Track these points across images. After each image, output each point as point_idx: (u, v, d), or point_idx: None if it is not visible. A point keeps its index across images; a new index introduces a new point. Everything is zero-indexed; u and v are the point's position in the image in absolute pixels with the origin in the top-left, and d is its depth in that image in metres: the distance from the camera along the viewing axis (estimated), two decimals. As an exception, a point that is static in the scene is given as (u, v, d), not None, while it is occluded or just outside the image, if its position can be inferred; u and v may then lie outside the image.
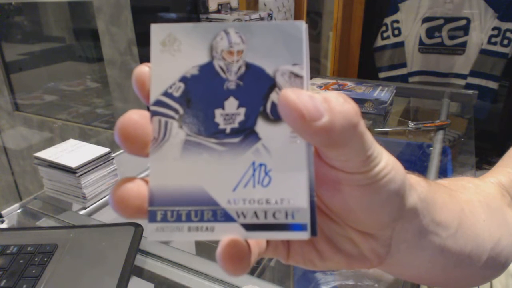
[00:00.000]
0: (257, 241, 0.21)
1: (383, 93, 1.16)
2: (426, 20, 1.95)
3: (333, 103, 0.17)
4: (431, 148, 0.95)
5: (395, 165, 0.21)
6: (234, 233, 0.18)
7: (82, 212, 0.73)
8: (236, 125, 0.19)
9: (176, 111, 0.19)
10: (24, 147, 1.60)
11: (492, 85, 1.87)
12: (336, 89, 1.22)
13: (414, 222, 0.24)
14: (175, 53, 0.19)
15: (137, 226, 0.60)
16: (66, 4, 1.45)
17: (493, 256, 0.30)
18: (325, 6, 2.00)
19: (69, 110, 1.53)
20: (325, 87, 1.25)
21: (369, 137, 0.19)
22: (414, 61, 2.03)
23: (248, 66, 0.19)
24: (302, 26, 0.19)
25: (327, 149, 0.18)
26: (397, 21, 1.99)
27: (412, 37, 2.00)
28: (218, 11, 1.20)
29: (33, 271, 0.52)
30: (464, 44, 1.91)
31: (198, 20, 1.18)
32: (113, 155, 0.76)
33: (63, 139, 0.91)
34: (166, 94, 0.19)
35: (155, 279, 0.56)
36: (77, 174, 0.70)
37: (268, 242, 0.23)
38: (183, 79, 0.19)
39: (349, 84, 1.26)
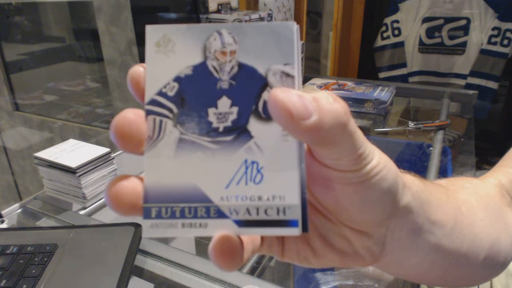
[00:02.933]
0: (251, 237, 0.22)
1: (383, 93, 1.17)
2: (426, 20, 1.95)
3: (322, 102, 0.17)
4: (431, 148, 0.95)
5: (387, 164, 0.21)
6: (226, 229, 0.19)
7: (82, 212, 0.73)
8: (229, 123, 0.19)
9: (170, 110, 0.19)
10: (24, 147, 1.60)
11: (492, 85, 1.87)
12: (336, 89, 1.22)
13: (408, 221, 0.24)
14: (169, 53, 0.19)
15: (137, 226, 0.60)
16: (66, 4, 1.45)
17: (491, 255, 0.30)
18: (325, 6, 2.00)
19: (69, 110, 1.53)
20: (325, 87, 1.25)
21: (359, 135, 0.19)
22: (414, 61, 2.03)
23: (241, 66, 0.19)
24: (294, 26, 0.19)
25: (318, 147, 0.19)
26: (397, 21, 1.99)
27: (412, 37, 2.00)
28: (218, 11, 1.20)
29: (33, 271, 0.52)
30: (464, 44, 1.91)
31: (198, 20, 1.18)
32: (113, 155, 0.76)
33: (63, 139, 0.91)
34: (160, 93, 0.19)
35: (155, 279, 0.56)
36: (77, 174, 0.70)
37: (262, 238, 0.23)
38: (177, 79, 0.19)
39: (349, 84, 1.26)
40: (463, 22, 1.88)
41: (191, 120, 0.19)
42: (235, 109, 0.19)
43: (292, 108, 0.17)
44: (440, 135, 1.01)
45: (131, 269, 0.53)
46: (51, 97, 1.59)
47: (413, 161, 1.01)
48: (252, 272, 0.59)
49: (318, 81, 1.30)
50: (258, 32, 0.19)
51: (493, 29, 1.81)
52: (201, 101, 0.19)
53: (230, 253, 0.19)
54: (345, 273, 0.68)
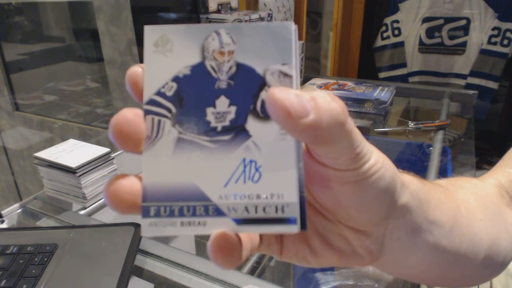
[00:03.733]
0: (250, 236, 0.22)
1: (383, 93, 1.17)
2: (426, 20, 1.95)
3: (319, 101, 0.17)
4: (431, 148, 0.95)
5: (385, 163, 0.21)
6: (225, 227, 0.19)
7: (82, 212, 0.73)
8: (227, 123, 0.19)
9: (168, 110, 0.19)
10: (24, 147, 1.60)
11: (492, 85, 1.87)
12: (336, 89, 1.22)
13: (407, 220, 0.24)
14: (168, 53, 0.20)
15: (137, 226, 0.60)
16: (66, 4, 1.45)
17: (490, 255, 0.30)
18: (325, 6, 2.00)
19: (69, 110, 1.53)
20: (325, 87, 1.25)
21: (357, 134, 0.19)
22: (414, 61, 2.03)
23: (239, 66, 0.19)
24: (291, 26, 0.19)
25: (316, 146, 0.19)
26: (397, 21, 1.99)
27: (412, 37, 2.00)
28: (218, 11, 1.20)
29: (33, 271, 0.52)
30: (464, 44, 1.91)
31: (198, 20, 1.18)
32: (113, 155, 0.76)
33: (63, 139, 0.91)
34: (159, 93, 0.19)
35: (155, 279, 0.56)
36: (77, 174, 0.70)
37: (261, 237, 0.23)
38: (176, 79, 0.19)
39: (349, 84, 1.26)
40: (463, 22, 1.88)
41: (189, 120, 0.19)
42: (233, 109, 0.19)
43: (289, 107, 0.17)
44: (440, 135, 1.01)
45: (131, 269, 0.53)
46: (51, 97, 1.59)
47: (413, 161, 1.01)
48: (252, 272, 0.59)
49: (318, 81, 1.30)
50: (256, 32, 0.19)
51: (493, 29, 1.81)
52: (199, 100, 0.19)
53: (228, 250, 0.19)
54: (345, 273, 0.68)
